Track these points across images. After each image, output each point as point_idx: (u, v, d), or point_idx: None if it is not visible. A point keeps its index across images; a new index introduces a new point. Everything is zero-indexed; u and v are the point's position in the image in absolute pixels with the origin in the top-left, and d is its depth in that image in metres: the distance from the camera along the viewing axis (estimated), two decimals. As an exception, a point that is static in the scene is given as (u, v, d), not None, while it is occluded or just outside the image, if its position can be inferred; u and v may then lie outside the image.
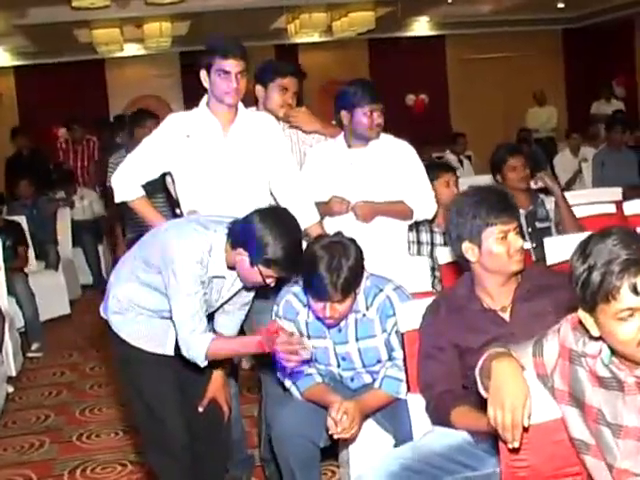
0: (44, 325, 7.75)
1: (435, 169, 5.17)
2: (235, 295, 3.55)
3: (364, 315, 3.52)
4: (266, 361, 3.75)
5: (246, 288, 3.53)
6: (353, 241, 3.43)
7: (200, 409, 3.68)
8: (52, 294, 8.25)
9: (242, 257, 3.21)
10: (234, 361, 4.25)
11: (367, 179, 4.31)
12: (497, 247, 2.98)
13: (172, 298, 3.28)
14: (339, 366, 3.61)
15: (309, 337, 3.59)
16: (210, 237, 3.28)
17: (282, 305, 3.62)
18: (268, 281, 3.26)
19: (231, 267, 3.34)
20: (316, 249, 3.38)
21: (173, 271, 3.23)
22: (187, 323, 3.25)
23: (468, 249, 3.04)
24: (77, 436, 5.30)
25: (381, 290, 3.51)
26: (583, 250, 2.14)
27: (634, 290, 2.04)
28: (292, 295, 3.62)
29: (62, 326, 8.32)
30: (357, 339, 3.53)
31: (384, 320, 3.48)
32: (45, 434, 5.40)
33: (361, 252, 3.42)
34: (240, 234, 3.23)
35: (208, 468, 3.68)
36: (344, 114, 4.34)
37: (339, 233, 3.50)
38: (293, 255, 3.21)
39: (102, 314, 3.59)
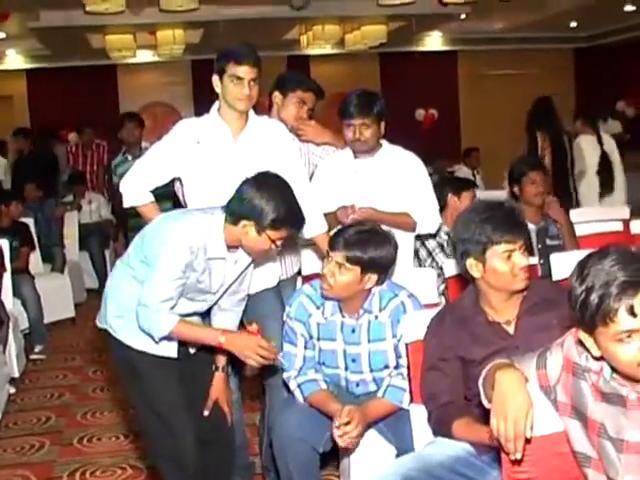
0: (48, 327, 7.76)
1: (461, 184, 5.28)
2: (235, 282, 3.58)
3: (376, 317, 3.54)
4: (271, 368, 3.78)
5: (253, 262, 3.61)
6: None
7: (206, 412, 3.69)
8: (57, 297, 8.24)
9: (248, 229, 3.29)
10: (237, 367, 4.26)
11: (372, 188, 4.31)
12: (501, 266, 2.99)
13: (149, 278, 3.31)
14: (347, 369, 3.62)
15: (319, 339, 3.62)
16: (208, 219, 3.35)
17: (295, 307, 3.65)
18: (278, 244, 3.36)
19: (231, 247, 3.39)
20: None
21: (161, 252, 3.28)
22: (155, 305, 3.28)
23: (473, 266, 3.05)
24: (78, 439, 5.29)
25: (396, 295, 3.55)
26: (581, 271, 2.14)
27: (631, 312, 2.04)
28: (305, 297, 3.65)
29: (66, 329, 8.32)
30: (369, 340, 3.56)
31: (395, 325, 3.50)
32: (46, 436, 5.38)
33: None
34: (239, 208, 3.30)
35: (214, 472, 3.68)
36: (341, 126, 4.39)
37: None
38: (295, 210, 3.33)
39: (99, 325, 3.60)
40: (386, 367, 3.56)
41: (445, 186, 5.27)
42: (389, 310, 3.53)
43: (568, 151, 7.84)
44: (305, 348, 3.65)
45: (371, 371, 3.59)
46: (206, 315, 3.71)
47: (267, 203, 3.24)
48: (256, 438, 4.65)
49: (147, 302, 3.30)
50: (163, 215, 3.62)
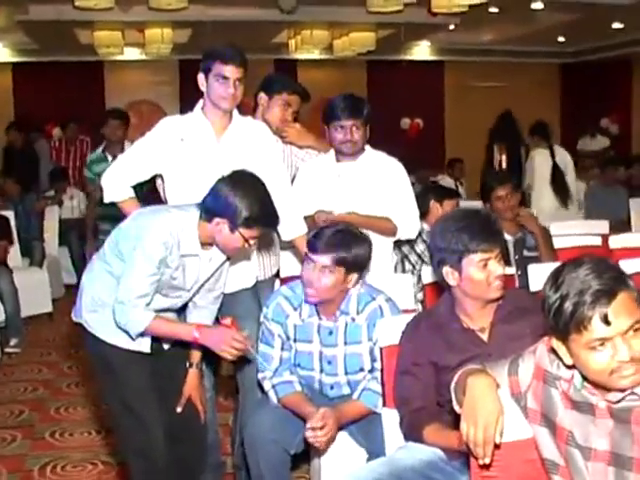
0: (25, 322, 7.75)
1: (444, 192, 5.35)
2: (211, 278, 3.60)
3: (353, 320, 3.56)
4: (245, 366, 3.79)
5: (228, 258, 3.61)
6: None
7: (179, 409, 3.70)
8: (35, 291, 8.20)
9: (221, 226, 3.30)
10: (212, 366, 4.27)
11: (353, 191, 4.34)
12: (477, 274, 3.01)
13: (124, 275, 3.33)
14: (322, 371, 3.63)
15: (296, 340, 3.64)
16: (182, 216, 3.37)
17: (272, 308, 3.66)
18: (251, 243, 3.37)
19: (205, 244, 3.41)
20: None
21: (135, 248, 3.30)
22: (132, 301, 3.31)
23: (449, 274, 3.07)
24: (50, 433, 5.28)
25: (374, 299, 3.57)
26: (555, 279, 2.15)
27: (605, 320, 2.05)
28: (283, 298, 3.66)
29: (43, 324, 8.30)
30: (345, 343, 3.58)
31: (371, 328, 3.51)
32: (18, 429, 5.37)
33: None
34: (213, 206, 3.32)
35: (184, 470, 3.69)
36: (325, 129, 4.41)
37: None
38: (269, 209, 3.34)
39: (74, 319, 3.61)
40: (361, 370, 3.58)
41: (428, 193, 5.32)
42: (366, 313, 3.55)
43: (523, 164, 8.37)
44: (282, 349, 3.66)
45: (346, 374, 3.60)
46: (181, 311, 3.72)
47: (241, 201, 3.25)
48: (228, 438, 4.65)
49: (123, 299, 3.32)
50: (138, 211, 3.64)
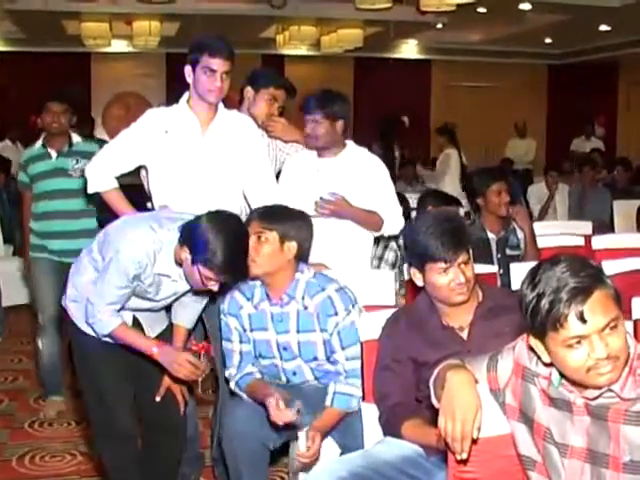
0: (5, 311, 7.70)
1: (444, 200, 5.48)
2: (189, 291, 3.61)
3: (305, 308, 3.54)
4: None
5: (193, 291, 3.60)
6: None
7: (158, 398, 3.70)
8: (17, 281, 8.15)
9: (186, 255, 3.28)
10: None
11: (333, 187, 4.29)
12: (438, 280, 3.05)
13: (99, 281, 3.38)
14: (281, 358, 3.62)
15: (252, 330, 3.63)
16: (162, 236, 3.36)
17: (227, 301, 3.66)
18: (210, 284, 3.28)
19: (180, 264, 3.41)
20: None
21: (112, 260, 3.32)
22: (100, 306, 3.37)
23: (415, 274, 3.13)
24: (29, 423, 5.27)
25: (323, 289, 3.53)
26: (532, 278, 2.15)
27: (581, 318, 2.05)
28: (237, 291, 3.65)
29: (24, 313, 8.23)
30: (298, 330, 3.56)
31: (323, 319, 3.50)
32: (-3, 418, 5.36)
33: None
34: (187, 234, 3.30)
35: (161, 459, 3.70)
36: None
37: None
38: (232, 260, 3.22)
39: (62, 303, 3.69)
40: (315, 359, 3.57)
41: (427, 198, 5.35)
42: (315, 303, 3.52)
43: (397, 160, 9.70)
44: (241, 342, 3.65)
45: (303, 360, 3.61)
46: (168, 309, 3.76)
47: (210, 239, 3.18)
48: (208, 431, 4.65)
49: (94, 301, 3.39)
50: (127, 218, 3.66)
